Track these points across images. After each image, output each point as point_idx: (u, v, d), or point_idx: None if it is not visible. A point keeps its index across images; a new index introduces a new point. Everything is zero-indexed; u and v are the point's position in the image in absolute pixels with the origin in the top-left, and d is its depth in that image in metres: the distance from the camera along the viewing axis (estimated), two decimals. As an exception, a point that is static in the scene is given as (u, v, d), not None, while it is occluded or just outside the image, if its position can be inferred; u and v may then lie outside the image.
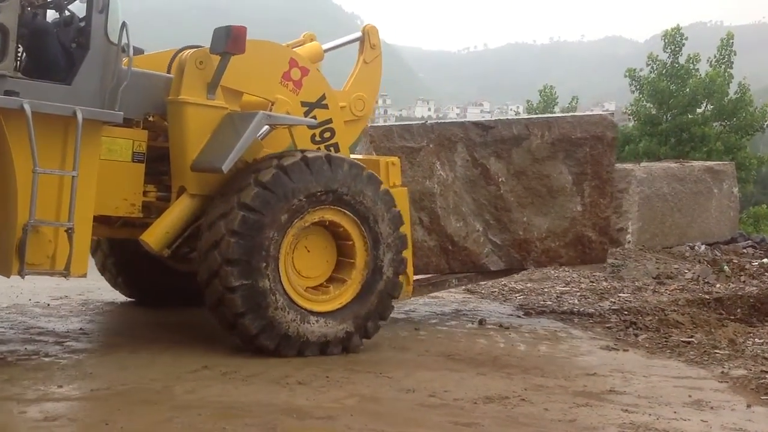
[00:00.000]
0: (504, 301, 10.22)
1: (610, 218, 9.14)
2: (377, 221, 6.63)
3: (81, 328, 7.10)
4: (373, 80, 7.98)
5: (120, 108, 6.03)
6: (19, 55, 6.05)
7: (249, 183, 6.15)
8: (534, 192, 8.64)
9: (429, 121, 8.79)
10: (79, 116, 5.56)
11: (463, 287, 9.75)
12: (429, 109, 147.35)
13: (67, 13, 6.40)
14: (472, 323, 8.42)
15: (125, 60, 6.14)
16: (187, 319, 7.76)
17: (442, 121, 8.95)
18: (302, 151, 6.53)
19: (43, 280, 6.57)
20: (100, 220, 6.73)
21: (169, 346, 6.48)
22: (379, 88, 8.09)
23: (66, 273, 5.66)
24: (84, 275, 5.85)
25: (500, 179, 8.54)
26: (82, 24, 6.05)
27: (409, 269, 7.46)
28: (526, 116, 9.48)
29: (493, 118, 9.38)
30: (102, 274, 8.32)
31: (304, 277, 6.51)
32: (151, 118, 6.62)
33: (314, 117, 7.05)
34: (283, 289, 6.22)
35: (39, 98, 5.52)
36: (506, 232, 8.57)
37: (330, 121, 7.22)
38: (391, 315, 8.52)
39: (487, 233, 8.52)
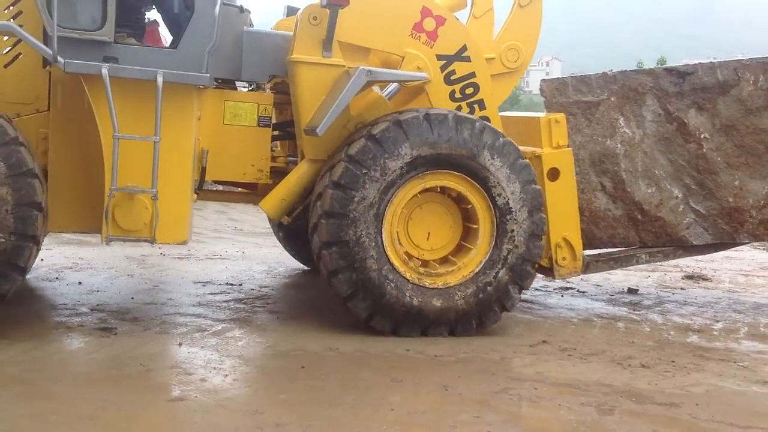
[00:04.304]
0: None
1: None
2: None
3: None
4: (530, 26, 7.01)
5: (237, 71, 6.00)
6: (145, 19, 6.19)
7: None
8: (748, 150, 7.09)
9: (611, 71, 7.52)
10: (159, 80, 5.41)
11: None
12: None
13: None
14: None
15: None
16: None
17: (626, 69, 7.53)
18: (427, 110, 5.93)
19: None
20: (247, 187, 6.83)
21: (508, 318, 6.56)
22: (539, 36, 7.08)
23: (151, 240, 5.61)
24: (183, 243, 5.86)
25: (702, 135, 7.15)
26: None
27: (577, 243, 6.63)
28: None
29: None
30: (279, 242, 8.43)
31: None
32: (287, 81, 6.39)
33: (453, 71, 6.37)
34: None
35: (144, 64, 5.49)
36: (712, 198, 7.18)
37: (473, 75, 6.44)
38: (754, 300, 7.88)
39: (687, 200, 7.21)
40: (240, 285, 7.35)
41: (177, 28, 6.04)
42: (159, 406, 4.21)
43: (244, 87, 6.60)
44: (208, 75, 5.69)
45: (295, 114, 6.23)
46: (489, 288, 5.93)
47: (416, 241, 5.99)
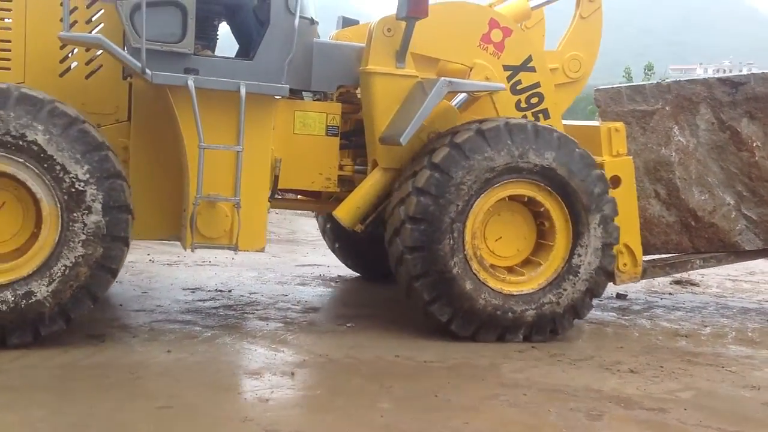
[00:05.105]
0: None
1: None
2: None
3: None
4: (591, 37, 7.20)
5: (308, 81, 6.09)
6: (216, 31, 6.26)
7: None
8: None
9: (665, 80, 7.75)
10: (242, 91, 5.54)
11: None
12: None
13: None
14: None
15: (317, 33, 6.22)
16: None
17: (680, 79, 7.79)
18: (507, 119, 6.08)
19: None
20: (310, 195, 6.93)
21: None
22: (599, 46, 7.26)
23: (234, 247, 5.75)
24: (261, 250, 5.98)
25: (755, 144, 7.27)
26: None
27: (637, 249, 6.75)
28: None
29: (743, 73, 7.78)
30: (333, 252, 8.52)
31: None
32: (354, 91, 6.54)
33: (519, 81, 6.54)
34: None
35: (222, 75, 5.61)
36: (764, 205, 7.31)
37: (537, 84, 6.60)
38: (741, 305, 7.94)
39: (739, 207, 7.35)
40: (229, 291, 7.34)
41: (247, 39, 6.14)
42: (148, 413, 4.19)
43: (308, 97, 6.67)
44: (288, 86, 5.79)
45: (367, 123, 6.32)
46: (525, 313, 5.97)
47: (487, 234, 6.06)
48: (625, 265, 6.70)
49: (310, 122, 6.28)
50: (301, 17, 5.89)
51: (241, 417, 4.17)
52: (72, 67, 5.79)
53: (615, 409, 4.61)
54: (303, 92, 6.47)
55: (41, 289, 5.08)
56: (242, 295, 7.21)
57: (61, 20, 5.43)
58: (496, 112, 6.48)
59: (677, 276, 9.32)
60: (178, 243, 6.15)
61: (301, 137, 6.26)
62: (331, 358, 5.35)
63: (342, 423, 4.21)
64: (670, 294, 8.43)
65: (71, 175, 5.08)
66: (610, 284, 8.46)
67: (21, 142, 5.01)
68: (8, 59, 5.63)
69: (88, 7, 5.71)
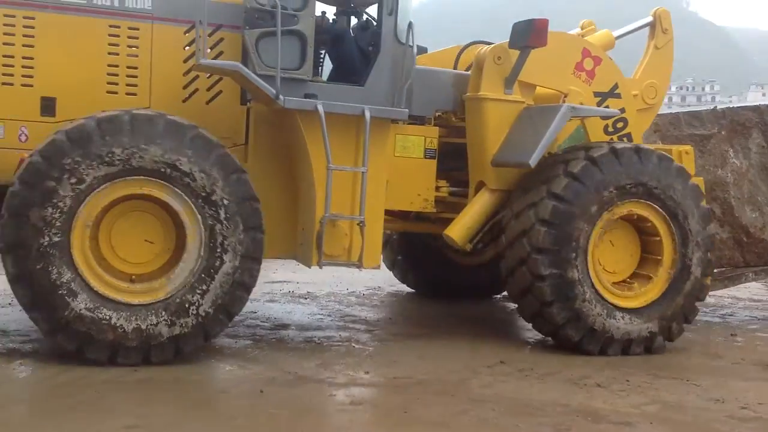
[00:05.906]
0: None
1: None
2: (687, 217, 6.38)
3: (390, 318, 7.52)
4: (664, 66, 7.65)
5: (409, 106, 6.22)
6: (321, 59, 6.48)
7: (558, 174, 6.15)
8: None
9: (719, 107, 8.28)
10: (367, 115, 5.81)
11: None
12: (763, 95, 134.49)
13: (364, 18, 6.76)
14: (802, 330, 7.61)
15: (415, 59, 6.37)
16: (481, 312, 8.03)
17: (734, 106, 8.32)
18: (610, 143, 6.45)
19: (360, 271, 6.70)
20: (395, 215, 7.09)
21: (465, 338, 6.68)
22: (671, 74, 7.73)
23: (359, 264, 5.99)
24: (377, 267, 6.20)
25: None
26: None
27: None
28: None
29: None
30: (391, 270, 8.72)
31: (609, 271, 6.41)
32: (445, 115, 6.84)
33: (607, 107, 6.92)
34: (591, 281, 6.16)
35: (336, 100, 5.84)
36: None
37: (623, 110, 7.02)
38: (705, 319, 8.06)
39: None
40: (197, 309, 7.27)
41: (348, 65, 6.38)
42: (115, 433, 4.16)
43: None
44: (407, 110, 6.09)
45: (474, 147, 6.62)
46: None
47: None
48: None
49: (410, 145, 6.54)
50: (403, 44, 6.10)
51: (209, 435, 4.16)
52: (195, 93, 5.96)
53: (582, 424, 4.65)
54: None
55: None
56: (211, 313, 7.14)
57: (185, 48, 5.76)
58: (587, 136, 6.81)
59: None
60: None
61: (401, 159, 6.52)
62: (300, 375, 5.34)
63: (312, 440, 4.20)
64: (635, 308, 8.52)
65: (224, 264, 5.37)
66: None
67: (219, 212, 5.33)
68: (135, 85, 5.80)
69: (210, 35, 5.83)
